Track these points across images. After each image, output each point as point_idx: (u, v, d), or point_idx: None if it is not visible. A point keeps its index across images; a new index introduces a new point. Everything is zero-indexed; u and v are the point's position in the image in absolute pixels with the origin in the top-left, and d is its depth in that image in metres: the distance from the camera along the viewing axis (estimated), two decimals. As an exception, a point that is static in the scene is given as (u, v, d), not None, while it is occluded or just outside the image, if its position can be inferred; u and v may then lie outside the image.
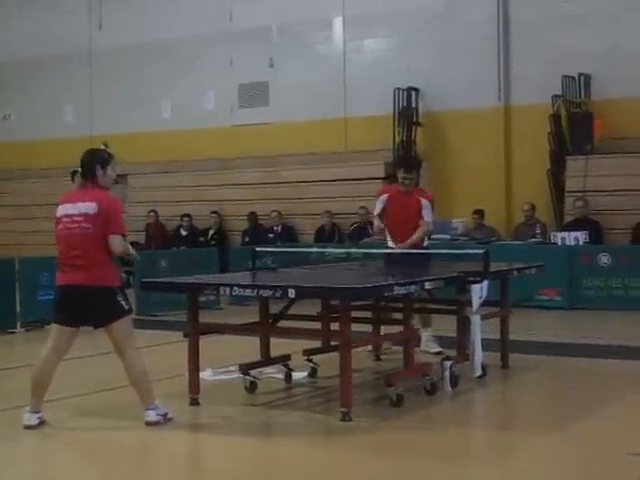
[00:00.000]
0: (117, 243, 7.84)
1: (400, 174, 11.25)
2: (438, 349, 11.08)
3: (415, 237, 11.06)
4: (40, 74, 23.96)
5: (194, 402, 8.75)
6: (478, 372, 9.73)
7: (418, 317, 10.84)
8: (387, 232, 11.45)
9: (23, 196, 23.77)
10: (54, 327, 8.04)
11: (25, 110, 24.55)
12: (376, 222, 11.62)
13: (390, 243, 11.40)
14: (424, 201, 11.16)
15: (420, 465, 6.91)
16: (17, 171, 24.08)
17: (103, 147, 8.35)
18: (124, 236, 7.95)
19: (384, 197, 11.39)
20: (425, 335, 11.20)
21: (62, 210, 8.02)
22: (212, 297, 14.85)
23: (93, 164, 8.01)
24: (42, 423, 7.92)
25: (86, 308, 7.81)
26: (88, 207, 7.84)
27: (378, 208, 11.43)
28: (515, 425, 8.42)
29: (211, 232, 20.39)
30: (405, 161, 12.40)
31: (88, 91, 23.59)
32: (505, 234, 18.12)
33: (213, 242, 19.90)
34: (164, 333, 12.13)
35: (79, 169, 8.14)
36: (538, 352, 11.51)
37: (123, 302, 7.91)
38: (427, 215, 11.13)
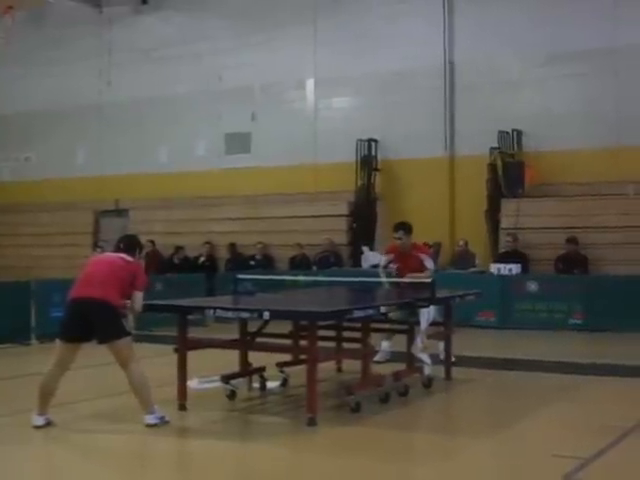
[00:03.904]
0: (139, 301, 7.95)
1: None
2: None
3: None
4: (57, 123, 23.78)
5: (182, 407, 8.65)
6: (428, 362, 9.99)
7: None
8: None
9: (41, 226, 23.50)
10: (58, 343, 7.90)
11: (44, 153, 24.35)
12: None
13: None
14: (423, 255, 11.10)
15: (374, 464, 6.83)
16: (37, 205, 23.84)
17: None
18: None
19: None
20: None
21: (93, 258, 8.43)
22: (199, 316, 14.63)
23: (135, 245, 8.33)
24: (49, 424, 7.81)
25: (93, 321, 7.69)
26: (119, 258, 8.05)
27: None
28: (456, 430, 8.36)
29: (202, 259, 20.17)
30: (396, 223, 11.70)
31: (97, 138, 23.43)
32: (449, 264, 18.09)
33: (203, 268, 19.58)
34: (158, 346, 11.97)
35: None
36: (476, 366, 11.43)
37: (125, 325, 7.83)
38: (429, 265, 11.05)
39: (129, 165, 22.50)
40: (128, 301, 7.94)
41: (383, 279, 11.43)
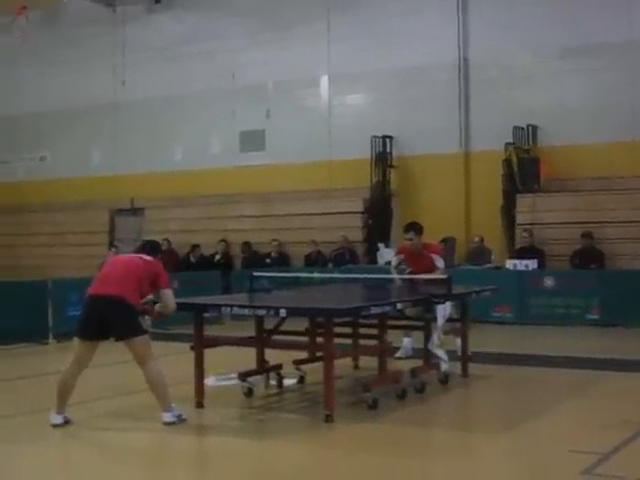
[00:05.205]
0: (170, 299, 8.06)
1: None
2: None
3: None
4: (72, 122, 23.87)
5: (199, 405, 8.68)
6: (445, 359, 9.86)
7: None
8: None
9: (56, 225, 23.61)
10: (76, 341, 7.94)
11: (59, 152, 24.46)
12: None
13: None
14: (434, 255, 11.11)
15: (391, 460, 6.84)
16: (52, 204, 23.94)
17: None
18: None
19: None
20: None
21: (112, 258, 8.61)
22: (216, 314, 14.64)
23: (158, 250, 8.46)
24: (67, 422, 7.85)
25: (109, 319, 7.71)
26: (137, 258, 8.11)
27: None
28: (473, 426, 8.37)
29: (217, 257, 20.19)
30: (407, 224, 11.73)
31: (112, 137, 23.51)
32: (464, 260, 18.06)
33: (219, 266, 19.54)
34: (175, 344, 12.02)
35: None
36: (493, 362, 11.41)
37: (142, 323, 7.86)
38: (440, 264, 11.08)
39: (144, 164, 22.57)
40: (158, 305, 8.03)
41: (395, 276, 11.44)
